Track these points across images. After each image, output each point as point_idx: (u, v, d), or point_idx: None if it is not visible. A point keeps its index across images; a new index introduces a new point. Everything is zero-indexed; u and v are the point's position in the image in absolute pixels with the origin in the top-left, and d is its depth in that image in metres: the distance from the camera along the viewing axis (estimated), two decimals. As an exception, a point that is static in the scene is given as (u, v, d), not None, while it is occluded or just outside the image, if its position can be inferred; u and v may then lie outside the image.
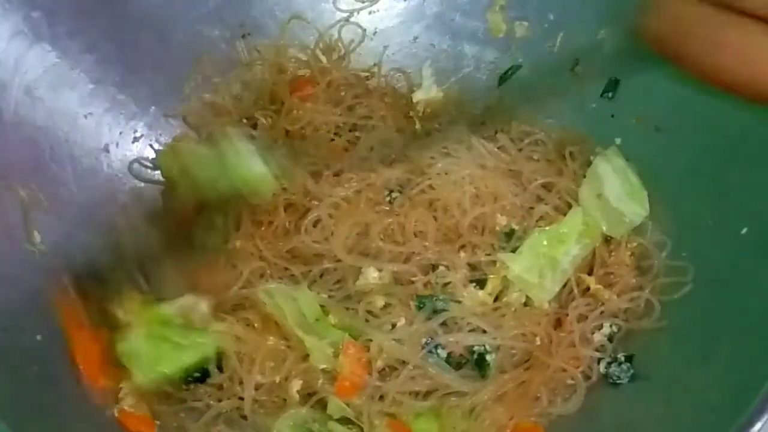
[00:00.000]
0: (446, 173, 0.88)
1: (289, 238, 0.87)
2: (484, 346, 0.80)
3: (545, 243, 0.84)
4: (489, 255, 0.84)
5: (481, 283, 0.83)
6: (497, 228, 0.86)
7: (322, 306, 0.81)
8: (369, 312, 0.82)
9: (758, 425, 0.64)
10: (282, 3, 1.02)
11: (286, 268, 0.85)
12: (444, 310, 0.81)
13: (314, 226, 0.86)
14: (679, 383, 0.75)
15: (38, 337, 0.75)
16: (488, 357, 0.80)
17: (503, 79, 1.01)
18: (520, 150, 0.93)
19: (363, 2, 1.04)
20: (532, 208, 0.87)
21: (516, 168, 0.90)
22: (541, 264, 0.83)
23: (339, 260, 0.84)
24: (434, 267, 0.84)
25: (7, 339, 0.72)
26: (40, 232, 0.81)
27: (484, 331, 0.80)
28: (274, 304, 0.80)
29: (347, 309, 0.82)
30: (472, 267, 0.84)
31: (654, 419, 0.74)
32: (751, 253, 0.76)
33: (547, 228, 0.85)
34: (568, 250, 0.84)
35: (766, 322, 0.71)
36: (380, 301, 0.82)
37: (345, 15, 1.04)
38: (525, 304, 0.83)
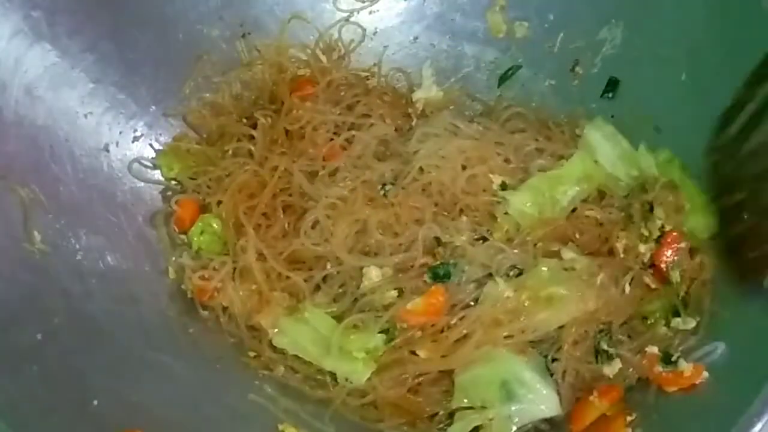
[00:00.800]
0: (435, 152, 0.89)
1: (288, 240, 0.87)
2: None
3: (544, 184, 0.86)
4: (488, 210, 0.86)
5: (486, 240, 0.85)
6: (493, 186, 0.87)
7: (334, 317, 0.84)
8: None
9: (758, 426, 0.64)
10: (282, 2, 1.02)
11: (288, 277, 0.86)
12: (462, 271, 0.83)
13: (313, 228, 0.87)
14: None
15: (38, 337, 0.75)
16: None
17: (503, 79, 1.02)
18: (503, 125, 0.95)
19: (363, 2, 1.04)
20: (525, 166, 0.89)
21: (503, 141, 0.91)
22: (540, 201, 0.85)
23: (340, 262, 0.84)
24: (439, 242, 0.85)
25: (7, 339, 0.72)
26: (40, 232, 0.81)
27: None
28: (291, 343, 0.83)
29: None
30: (475, 228, 0.86)
31: (654, 420, 0.74)
32: (751, 252, 0.76)
33: (547, 173, 0.87)
34: (566, 190, 0.86)
35: (766, 322, 0.71)
36: (393, 293, 0.83)
37: (345, 15, 1.04)
38: None
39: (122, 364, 0.80)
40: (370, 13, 1.04)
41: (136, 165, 0.95)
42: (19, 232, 0.80)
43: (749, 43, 0.80)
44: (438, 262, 0.84)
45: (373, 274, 0.84)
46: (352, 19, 1.04)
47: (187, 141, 0.98)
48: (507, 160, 0.89)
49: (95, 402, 0.73)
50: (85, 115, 0.91)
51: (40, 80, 0.85)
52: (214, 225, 0.92)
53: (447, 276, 0.83)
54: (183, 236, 0.93)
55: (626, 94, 0.93)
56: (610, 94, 0.94)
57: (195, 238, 0.92)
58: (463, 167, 0.88)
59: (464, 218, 0.86)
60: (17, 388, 0.70)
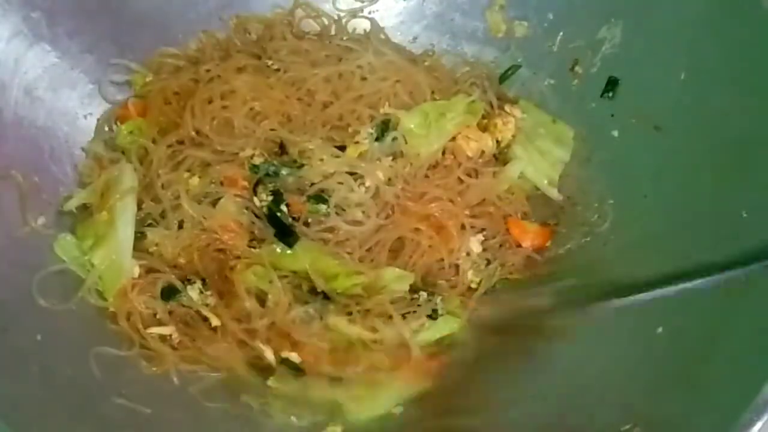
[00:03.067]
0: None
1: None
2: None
3: (433, 111, 0.92)
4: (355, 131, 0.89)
5: (342, 149, 0.88)
6: (380, 110, 0.91)
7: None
8: None
9: (758, 425, 0.64)
10: (282, 3, 1.02)
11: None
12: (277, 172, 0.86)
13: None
14: (680, 383, 0.75)
15: (38, 337, 0.75)
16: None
17: (503, 78, 1.02)
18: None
19: (363, 2, 1.04)
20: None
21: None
22: (426, 125, 0.91)
23: None
24: (282, 147, 0.88)
25: (7, 339, 0.72)
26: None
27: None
28: None
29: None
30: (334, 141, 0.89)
31: (654, 419, 0.74)
32: (751, 252, 0.76)
33: (437, 102, 0.93)
34: (453, 117, 0.92)
35: (766, 323, 0.71)
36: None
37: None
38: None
39: (122, 363, 0.80)
40: (370, 13, 1.04)
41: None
42: (20, 232, 0.80)
43: (749, 43, 0.80)
44: (261, 161, 0.86)
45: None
46: (353, 19, 1.04)
47: (176, 58, 0.97)
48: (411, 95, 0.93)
49: (95, 402, 0.74)
50: (85, 116, 0.91)
51: (39, 81, 0.86)
52: (143, 129, 0.91)
53: (269, 174, 0.85)
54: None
55: (626, 94, 0.92)
56: (610, 94, 0.94)
57: (121, 134, 0.91)
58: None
59: (320, 128, 0.89)
60: (17, 388, 0.70)
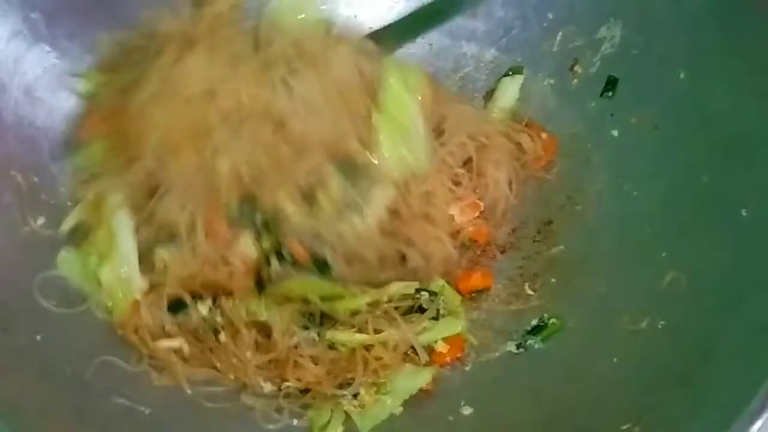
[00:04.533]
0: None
1: None
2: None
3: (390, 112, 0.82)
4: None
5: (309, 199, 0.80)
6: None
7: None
8: None
9: (758, 424, 0.64)
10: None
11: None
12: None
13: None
14: (680, 383, 0.75)
15: (38, 337, 0.75)
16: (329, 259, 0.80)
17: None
18: None
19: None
20: None
21: None
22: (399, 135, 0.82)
23: None
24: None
25: (7, 339, 0.72)
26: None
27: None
28: None
29: None
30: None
31: (654, 419, 0.74)
32: (750, 252, 0.76)
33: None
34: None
35: (766, 322, 0.71)
36: None
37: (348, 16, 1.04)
38: None
39: (130, 372, 0.80)
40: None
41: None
42: (19, 232, 0.81)
43: (749, 42, 0.80)
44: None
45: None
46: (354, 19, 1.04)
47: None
48: None
49: (96, 402, 0.74)
50: (85, 116, 0.91)
51: (39, 81, 0.86)
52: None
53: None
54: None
55: (625, 93, 0.93)
56: (610, 93, 0.94)
57: (87, 155, 0.85)
58: None
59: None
60: (17, 388, 0.70)
